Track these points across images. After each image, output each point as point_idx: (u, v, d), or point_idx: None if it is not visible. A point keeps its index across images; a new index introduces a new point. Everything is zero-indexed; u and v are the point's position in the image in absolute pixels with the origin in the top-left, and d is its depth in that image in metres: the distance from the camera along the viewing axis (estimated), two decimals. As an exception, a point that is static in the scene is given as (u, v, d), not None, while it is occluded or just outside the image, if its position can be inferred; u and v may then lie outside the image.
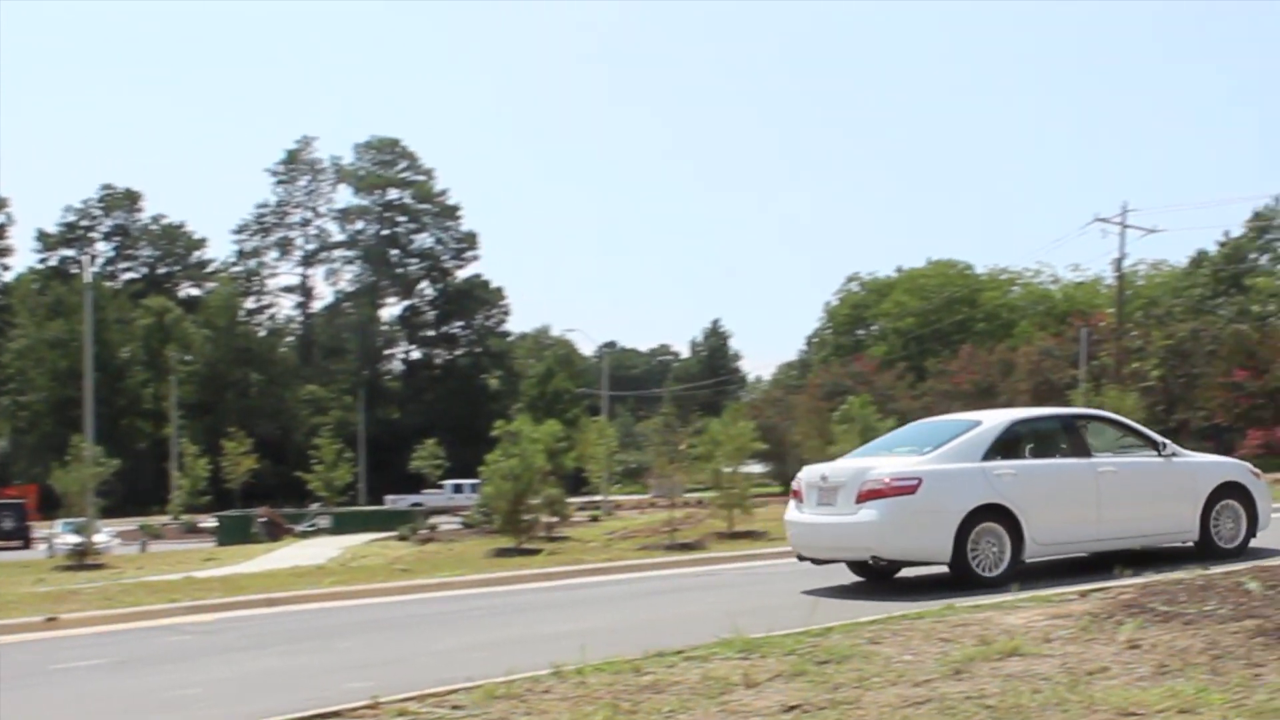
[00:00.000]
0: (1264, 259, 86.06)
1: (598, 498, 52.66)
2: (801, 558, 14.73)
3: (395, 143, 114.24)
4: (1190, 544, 14.48)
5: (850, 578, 14.36)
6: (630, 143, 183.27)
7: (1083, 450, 14.43)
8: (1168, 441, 14.97)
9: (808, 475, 14.62)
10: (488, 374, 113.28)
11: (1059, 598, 10.10)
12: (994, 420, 14.59)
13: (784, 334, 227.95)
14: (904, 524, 13.11)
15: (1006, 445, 14.07)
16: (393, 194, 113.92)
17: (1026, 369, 66.08)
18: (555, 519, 27.39)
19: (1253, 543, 14.65)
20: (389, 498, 75.25)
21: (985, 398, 64.23)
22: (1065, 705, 6.29)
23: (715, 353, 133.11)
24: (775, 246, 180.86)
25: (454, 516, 46.17)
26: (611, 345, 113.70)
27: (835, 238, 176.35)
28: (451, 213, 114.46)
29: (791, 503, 14.84)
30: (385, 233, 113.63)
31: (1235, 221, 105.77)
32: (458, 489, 70.14)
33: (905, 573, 14.28)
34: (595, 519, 35.06)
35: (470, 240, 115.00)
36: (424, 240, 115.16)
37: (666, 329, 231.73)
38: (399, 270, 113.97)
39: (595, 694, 7.41)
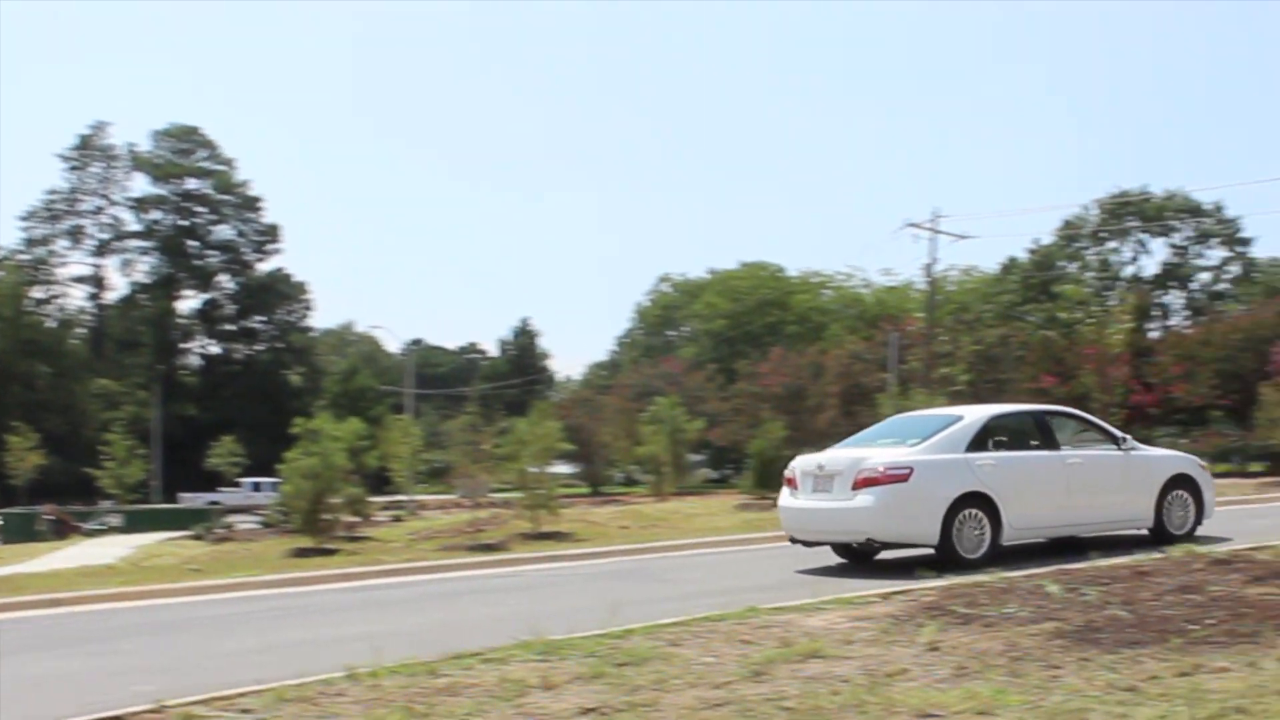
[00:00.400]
0: (1073, 267, 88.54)
1: (402, 497, 52.09)
2: (794, 540, 15.97)
3: (194, 130, 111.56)
4: (1146, 531, 16.13)
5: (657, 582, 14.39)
6: (439, 138, 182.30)
7: (1053, 443, 16.09)
8: (1127, 436, 16.83)
9: (803, 464, 15.96)
10: (289, 370, 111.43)
11: (861, 600, 10.23)
12: (975, 415, 16.21)
13: (594, 334, 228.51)
14: (897, 509, 14.49)
15: (986, 438, 15.57)
16: (191, 183, 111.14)
17: (837, 372, 66.98)
18: (357, 519, 27.06)
19: (1199, 530, 16.20)
20: (184, 496, 73.52)
21: (795, 401, 65.05)
22: (864, 707, 6.35)
23: (524, 352, 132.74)
24: (586, 245, 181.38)
25: (252, 515, 45.31)
26: (418, 343, 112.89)
27: (647, 238, 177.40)
28: (253, 204, 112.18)
29: (785, 490, 16.11)
30: (183, 223, 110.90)
31: (1046, 229, 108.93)
32: (257, 487, 68.86)
33: (884, 555, 15.59)
34: (398, 519, 34.58)
35: (272, 233, 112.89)
36: (224, 232, 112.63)
37: (475, 327, 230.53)
38: (197, 262, 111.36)
39: (389, 697, 7.30)
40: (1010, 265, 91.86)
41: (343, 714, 7.01)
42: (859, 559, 15.81)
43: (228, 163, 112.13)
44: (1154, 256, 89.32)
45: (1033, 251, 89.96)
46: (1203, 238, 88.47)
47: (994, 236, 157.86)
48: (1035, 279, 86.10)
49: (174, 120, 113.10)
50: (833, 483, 15.08)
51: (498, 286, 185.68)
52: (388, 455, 47.32)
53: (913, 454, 14.92)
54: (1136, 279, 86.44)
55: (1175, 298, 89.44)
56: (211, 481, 72.54)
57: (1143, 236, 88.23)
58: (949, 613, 9.11)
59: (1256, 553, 11.91)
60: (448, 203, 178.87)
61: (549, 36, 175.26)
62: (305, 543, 23.35)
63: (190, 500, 69.59)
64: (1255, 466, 61.89)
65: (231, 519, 39.17)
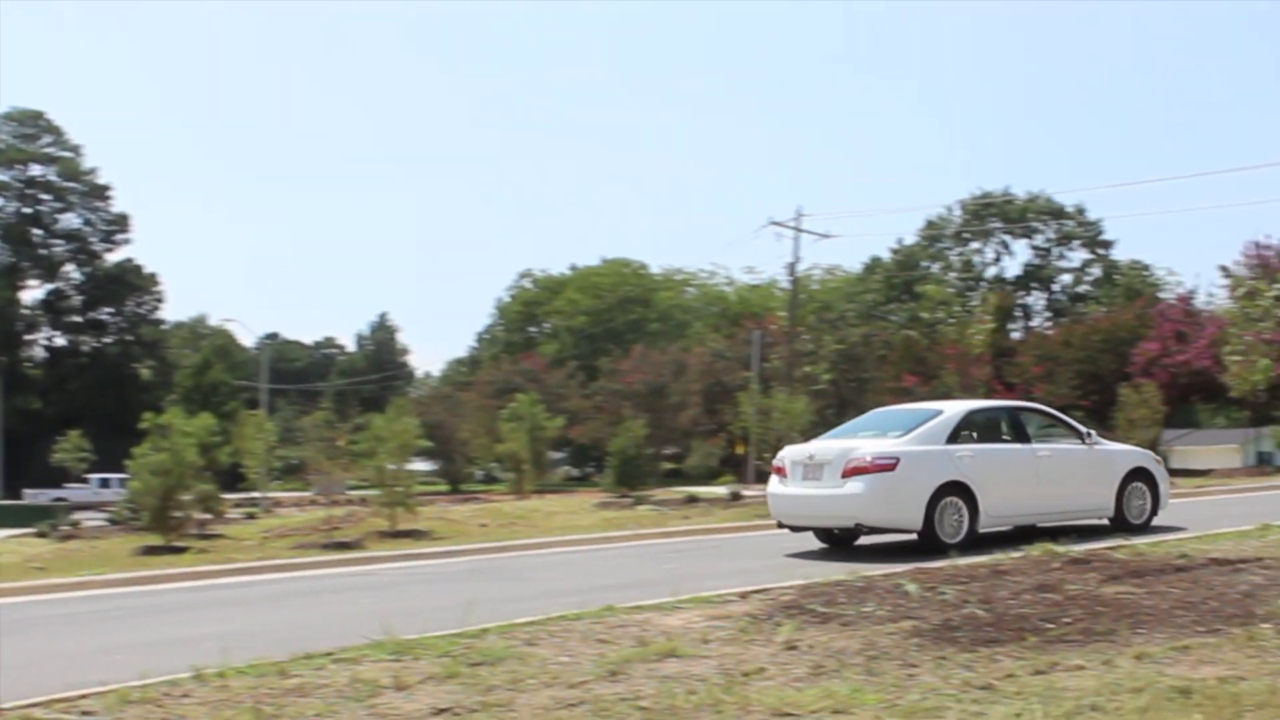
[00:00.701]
0: (936, 267, 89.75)
1: (256, 495, 51.44)
2: (781, 525, 17.48)
3: (39, 115, 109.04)
4: (1107, 520, 17.45)
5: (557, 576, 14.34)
6: (294, 128, 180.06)
7: (1024, 437, 17.48)
8: (1091, 431, 18.37)
9: (793, 454, 17.26)
10: (139, 363, 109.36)
11: (719, 599, 10.26)
12: (954, 409, 17.41)
13: (455, 330, 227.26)
14: (884, 496, 15.62)
15: (963, 431, 16.80)
16: (35, 170, 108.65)
17: (699, 370, 67.37)
18: (208, 516, 26.61)
19: (1155, 520, 17.73)
20: (28, 492, 71.89)
21: (656, 399, 65.31)
22: (720, 706, 6.37)
23: (382, 347, 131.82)
24: (447, 240, 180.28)
25: (100, 512, 44.40)
26: (273, 337, 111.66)
27: (509, 233, 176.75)
28: (101, 193, 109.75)
29: (774, 478, 17.36)
30: (27, 211, 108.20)
31: (909, 230, 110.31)
32: (105, 483, 67.55)
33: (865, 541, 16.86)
34: (252, 516, 34.10)
35: (121, 222, 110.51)
36: (70, 220, 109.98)
37: (333, 322, 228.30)
38: (42, 251, 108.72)
39: (237, 698, 7.20)
40: (873, 265, 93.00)
41: (188, 715, 6.89)
42: (838, 544, 17.12)
43: (74, 149, 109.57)
44: (1016, 258, 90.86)
45: (896, 251, 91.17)
46: (1064, 240, 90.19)
47: (858, 236, 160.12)
48: (898, 279, 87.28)
49: (16, 104, 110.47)
50: (822, 471, 16.22)
51: (356, 281, 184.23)
52: (241, 451, 46.76)
53: (898, 445, 16.08)
54: (999, 279, 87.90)
55: (1037, 299, 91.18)
56: (57, 477, 71.05)
57: (1005, 238, 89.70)
58: (807, 612, 9.18)
59: (1114, 552, 12.16)
60: (304, 195, 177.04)
61: (413, 25, 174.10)
62: (154, 541, 22.92)
63: (35, 497, 68.09)
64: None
65: (78, 516, 38.27)
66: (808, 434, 45.31)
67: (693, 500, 30.30)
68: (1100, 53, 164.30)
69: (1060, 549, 12.18)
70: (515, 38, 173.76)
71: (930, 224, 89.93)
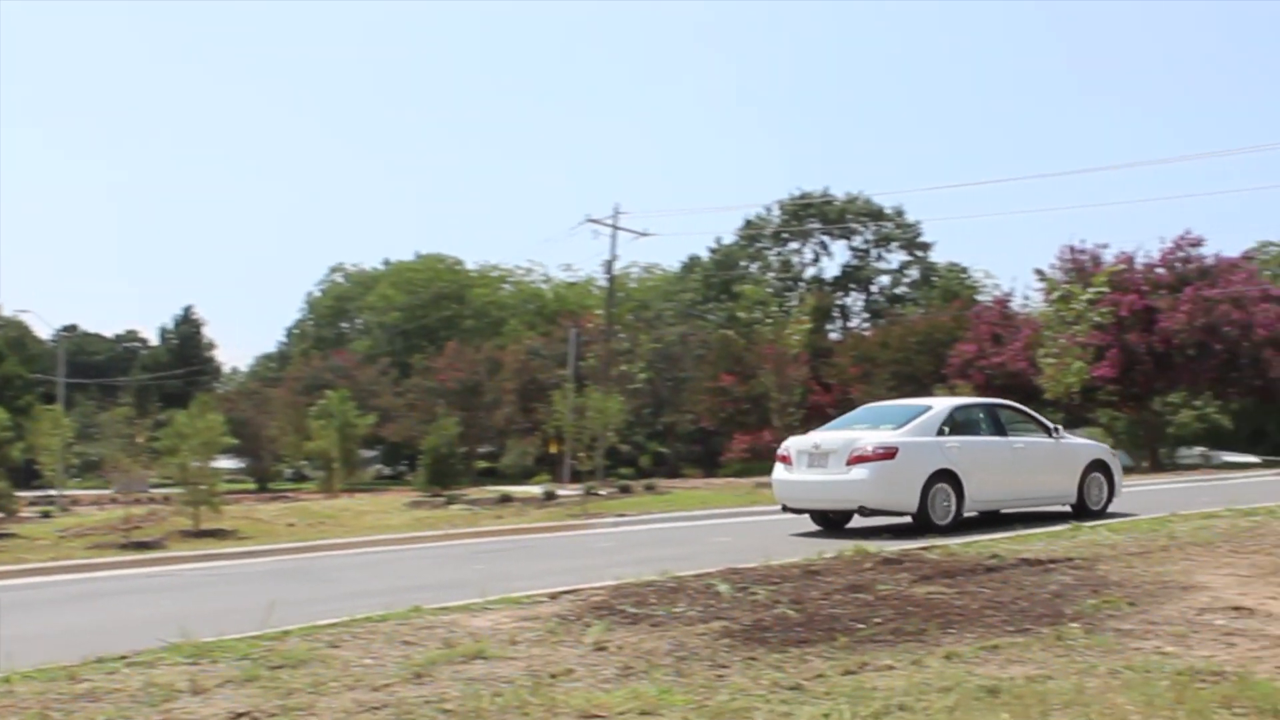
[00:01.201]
0: (755, 267, 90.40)
1: (52, 492, 50.11)
2: (786, 509, 19.54)
3: None
4: (1069, 507, 19.73)
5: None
6: (91, 113, 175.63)
7: (1002, 430, 19.70)
8: (1058, 427, 20.74)
9: (798, 443, 19.28)
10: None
11: (529, 599, 10.23)
12: (942, 405, 19.87)
13: (263, 325, 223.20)
14: (885, 482, 17.76)
15: (951, 424, 18.99)
16: None
17: (514, 368, 67.21)
18: (1, 515, 25.96)
19: (1110, 507, 19.88)
20: None
21: (471, 397, 65.04)
22: (526, 708, 6.34)
23: (187, 341, 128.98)
24: (255, 233, 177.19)
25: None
26: (71, 329, 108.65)
27: (319, 226, 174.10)
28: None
29: (779, 466, 19.42)
30: None
31: (728, 229, 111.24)
32: (-113, 481, 65.25)
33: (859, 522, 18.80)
34: (48, 515, 33.24)
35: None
36: None
37: (135, 315, 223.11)
38: None
39: (23, 704, 6.97)
40: (692, 264, 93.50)
41: (-31, 723, 6.69)
42: (832, 526, 19.37)
43: None
44: (835, 258, 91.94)
45: (714, 251, 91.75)
46: (883, 241, 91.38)
47: (676, 235, 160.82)
48: (716, 278, 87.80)
49: None
50: (828, 459, 18.39)
51: (159, 273, 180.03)
52: (36, 447, 45.50)
53: (897, 436, 18.27)
54: (817, 280, 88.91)
55: (856, 299, 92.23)
56: None
57: (824, 238, 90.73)
58: (617, 612, 9.19)
59: (926, 552, 12.37)
60: (103, 183, 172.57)
61: (218, 11, 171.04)
62: (-60, 540, 22.28)
63: None
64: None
65: None
66: (622, 433, 45.53)
67: (507, 500, 30.26)
68: (919, 55, 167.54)
69: (873, 549, 12.35)
70: (329, 28, 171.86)
71: (749, 224, 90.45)
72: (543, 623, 8.94)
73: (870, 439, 18.22)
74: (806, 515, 19.87)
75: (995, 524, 18.32)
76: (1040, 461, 19.79)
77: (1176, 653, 7.28)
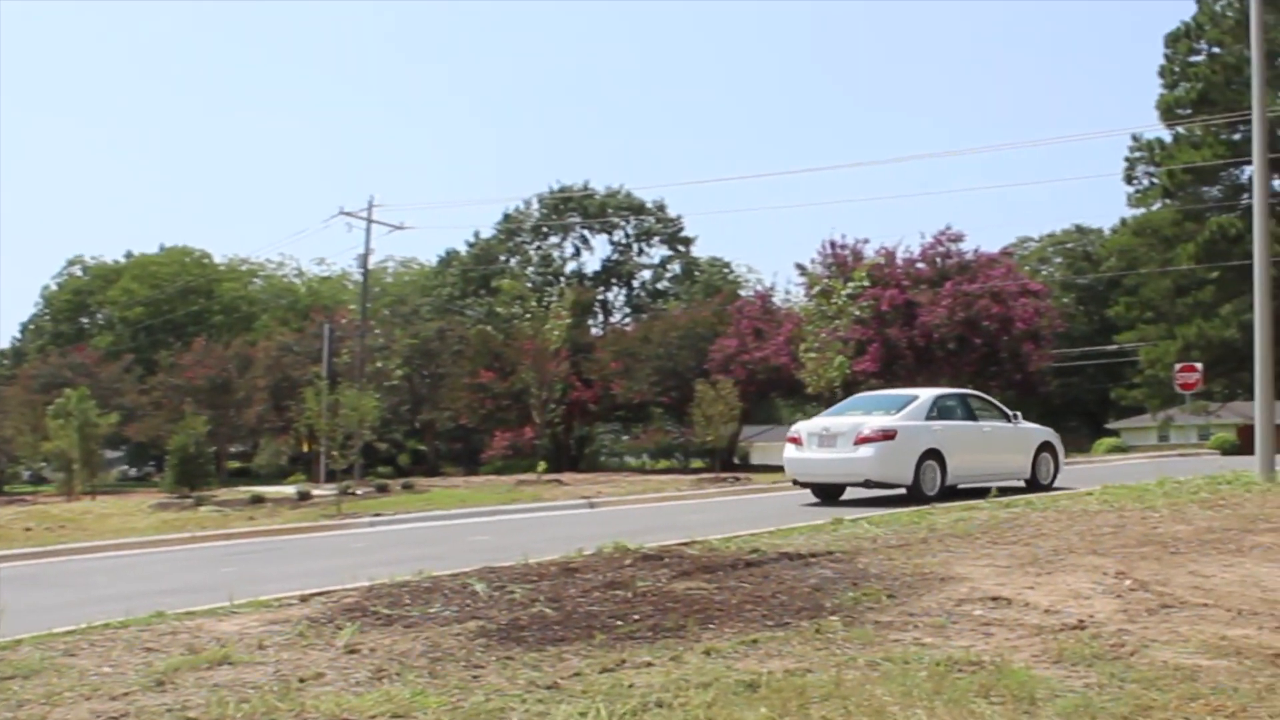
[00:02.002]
0: (513, 261, 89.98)
1: None
2: (796, 483, 23.22)
3: None
4: (1023, 482, 23.33)
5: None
6: None
7: (973, 416, 23.49)
8: (1018, 414, 24.62)
9: (808, 427, 22.85)
10: None
11: (279, 603, 10.00)
12: (927, 394, 23.43)
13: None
14: (886, 459, 21.16)
15: (937, 410, 22.64)
16: None
17: (266, 365, 66.07)
18: None
19: (1056, 482, 23.48)
20: None
21: (220, 394, 63.75)
22: (274, 714, 6.18)
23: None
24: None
25: None
26: None
27: (55, 217, 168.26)
28: None
29: (790, 446, 22.88)
30: None
31: (487, 223, 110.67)
32: None
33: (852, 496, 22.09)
34: None
35: None
36: None
37: None
38: None
39: None
40: (450, 258, 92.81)
41: None
42: (827, 497, 22.65)
43: None
44: (596, 253, 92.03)
45: (473, 245, 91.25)
46: (645, 236, 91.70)
47: (434, 228, 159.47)
48: (475, 272, 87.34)
49: None
50: (836, 440, 21.79)
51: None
52: None
53: (894, 420, 21.76)
54: (578, 275, 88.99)
55: (617, 294, 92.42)
56: None
57: (585, 233, 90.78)
58: (370, 614, 9.03)
59: (686, 548, 12.40)
60: None
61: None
62: None
63: None
64: (697, 463, 65.08)
65: None
66: (379, 431, 44.99)
67: (259, 500, 29.80)
68: (680, 49, 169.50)
69: (632, 546, 12.35)
70: (73, 20, 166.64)
71: (508, 217, 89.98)
72: (293, 626, 8.74)
73: (873, 423, 21.66)
74: (583, 508, 23.93)
75: (970, 495, 20.31)
76: (1004, 442, 23.46)
77: (935, 643, 7.39)
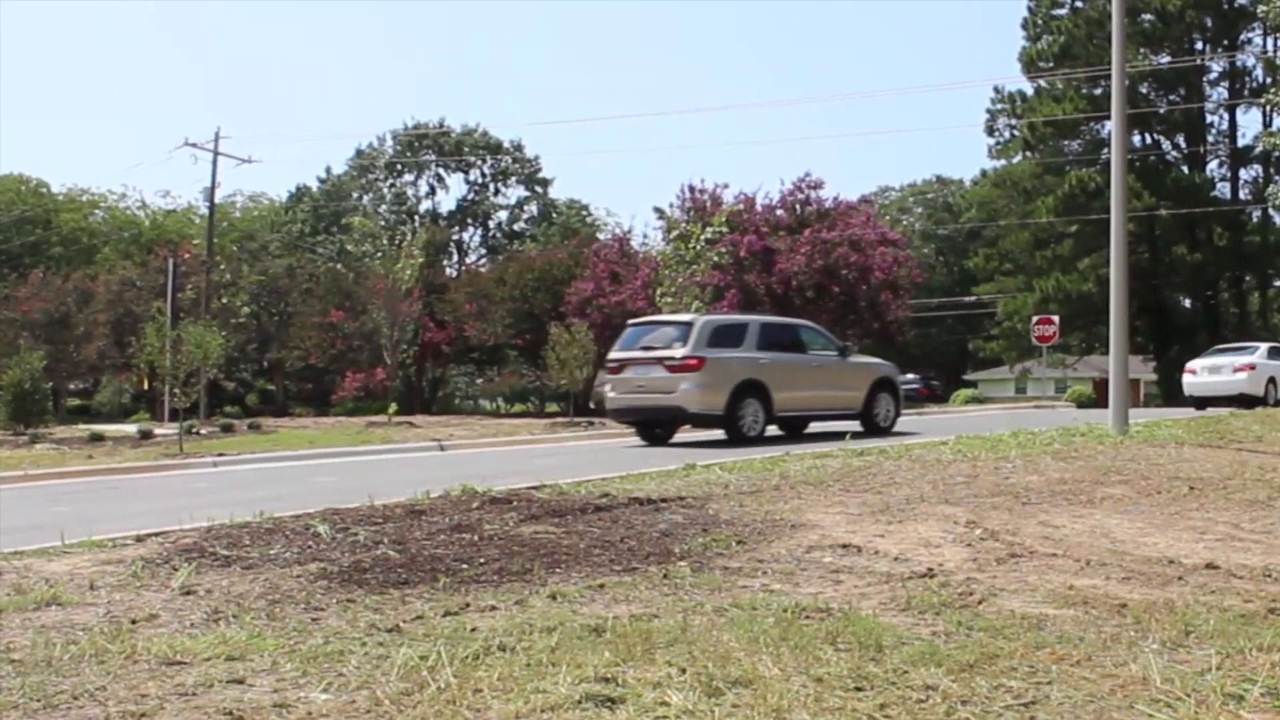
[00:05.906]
0: (366, 199, 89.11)
1: None
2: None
3: None
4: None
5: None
6: None
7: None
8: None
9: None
10: None
11: (113, 543, 9.81)
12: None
13: None
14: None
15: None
16: None
17: (107, 299, 64.91)
18: None
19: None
20: None
21: (59, 329, 62.51)
22: (104, 656, 6.07)
23: None
24: None
25: None
26: None
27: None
28: None
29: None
30: None
31: (339, 159, 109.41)
32: None
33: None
34: None
35: None
36: None
37: None
38: None
39: None
40: (300, 194, 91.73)
41: None
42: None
43: None
44: (451, 192, 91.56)
45: (324, 181, 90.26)
46: (501, 176, 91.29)
47: (284, 162, 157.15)
48: (326, 209, 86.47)
49: None
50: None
51: None
52: None
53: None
54: (432, 214, 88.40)
55: (473, 235, 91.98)
56: None
57: (440, 171, 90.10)
58: (208, 555, 8.91)
59: (535, 491, 12.40)
60: None
61: None
62: None
63: None
64: (552, 408, 65.15)
65: None
66: (225, 370, 44.37)
67: (98, 439, 29.43)
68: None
69: (481, 489, 12.33)
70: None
71: (360, 153, 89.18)
72: (126, 566, 8.58)
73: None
74: (434, 451, 24.13)
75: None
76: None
77: (784, 590, 7.44)
